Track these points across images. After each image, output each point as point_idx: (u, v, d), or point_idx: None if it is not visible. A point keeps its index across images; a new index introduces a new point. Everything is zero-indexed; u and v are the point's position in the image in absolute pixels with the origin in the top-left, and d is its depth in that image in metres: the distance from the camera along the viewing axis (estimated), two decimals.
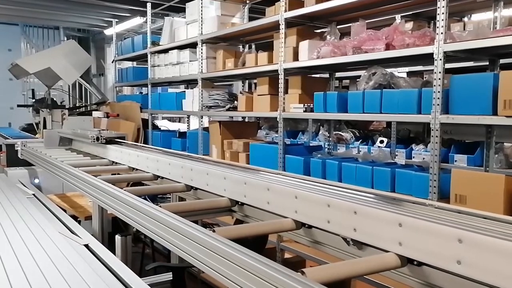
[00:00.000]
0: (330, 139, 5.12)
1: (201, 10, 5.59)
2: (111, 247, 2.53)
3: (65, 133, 5.03)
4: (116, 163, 3.79)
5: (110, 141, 4.03)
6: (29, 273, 1.87)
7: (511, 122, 2.66)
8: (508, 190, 2.77)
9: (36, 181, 4.68)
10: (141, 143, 6.45)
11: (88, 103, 10.08)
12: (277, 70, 4.39)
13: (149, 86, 7.08)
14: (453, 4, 3.33)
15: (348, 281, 3.28)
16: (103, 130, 4.05)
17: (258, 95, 4.88)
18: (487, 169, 3.28)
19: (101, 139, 3.95)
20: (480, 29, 3.23)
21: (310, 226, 1.95)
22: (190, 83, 6.90)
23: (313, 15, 4.30)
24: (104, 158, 3.95)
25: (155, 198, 5.26)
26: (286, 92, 4.43)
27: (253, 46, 5.86)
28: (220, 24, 5.52)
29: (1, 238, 2.35)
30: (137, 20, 9.31)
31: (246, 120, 6.57)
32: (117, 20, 9.18)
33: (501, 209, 2.72)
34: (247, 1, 5.90)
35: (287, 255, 4.46)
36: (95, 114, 7.17)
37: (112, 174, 3.73)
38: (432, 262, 1.44)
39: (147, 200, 2.14)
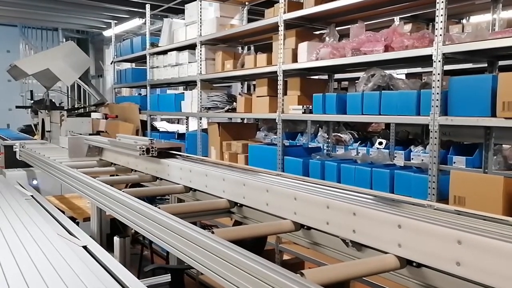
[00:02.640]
0: (329, 140, 5.13)
1: (200, 12, 5.59)
2: (110, 249, 2.52)
3: (96, 141, 4.10)
4: (115, 164, 3.78)
5: (160, 152, 3.15)
6: (27, 275, 1.86)
7: (509, 124, 2.66)
8: (507, 191, 2.77)
9: (35, 182, 4.67)
10: None
11: (87, 105, 10.07)
12: (276, 72, 4.39)
13: (148, 87, 7.08)
14: (452, 6, 3.33)
15: (347, 283, 3.28)
16: (151, 139, 3.16)
17: (257, 96, 4.88)
18: (486, 170, 3.28)
19: (153, 151, 3.06)
20: (479, 31, 3.23)
21: (309, 228, 1.94)
22: (189, 84, 6.90)
23: (312, 17, 4.31)
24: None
25: (154, 199, 5.25)
26: (285, 93, 4.43)
27: (252, 48, 5.87)
28: (219, 26, 5.52)
29: None
30: (136, 22, 9.31)
31: (245, 121, 6.57)
32: (116, 21, 9.18)
33: (500, 211, 2.72)
34: (246, 3, 5.91)
35: (286, 257, 4.45)
36: (94, 115, 7.16)
37: (110, 176, 3.72)
38: (431, 263, 1.44)
39: (145, 201, 2.14)
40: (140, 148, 3.02)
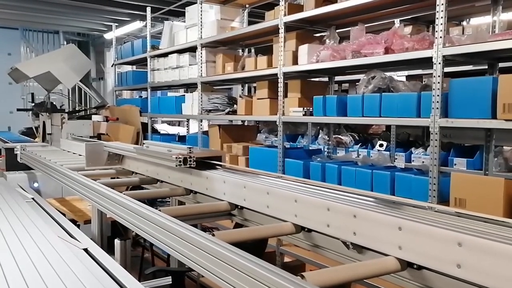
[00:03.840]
0: (330, 142, 5.12)
1: (201, 14, 5.60)
2: (110, 251, 2.52)
3: (119, 148, 3.68)
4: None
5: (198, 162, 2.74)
6: (28, 277, 1.86)
7: (510, 126, 2.66)
8: (508, 193, 2.76)
9: (35, 185, 4.67)
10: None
11: (88, 107, 10.08)
12: (276, 74, 4.39)
13: (149, 90, 7.09)
14: (452, 8, 3.34)
15: (348, 285, 3.27)
16: (189, 147, 2.76)
17: (258, 99, 4.88)
18: (487, 172, 3.28)
19: (191, 160, 2.66)
20: (479, 33, 3.24)
21: (309, 230, 1.94)
22: (190, 87, 6.91)
23: (313, 19, 4.31)
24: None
25: (155, 202, 5.25)
26: (285, 96, 4.43)
27: (253, 50, 5.88)
28: (220, 28, 5.53)
29: (0, 242, 2.34)
30: (136, 24, 9.33)
31: (246, 123, 6.57)
32: (116, 24, 9.19)
33: (501, 213, 2.72)
34: (247, 5, 5.92)
35: (286, 259, 4.45)
36: (95, 118, 7.17)
37: (111, 178, 3.72)
38: (432, 265, 1.44)
39: (146, 204, 2.14)
40: (177, 158, 2.62)
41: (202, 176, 2.67)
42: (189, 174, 2.78)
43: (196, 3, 5.68)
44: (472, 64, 4.03)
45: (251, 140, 5.68)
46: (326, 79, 5.01)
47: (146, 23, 7.30)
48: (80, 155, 4.50)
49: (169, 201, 4.09)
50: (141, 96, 9.16)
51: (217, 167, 2.77)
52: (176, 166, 2.62)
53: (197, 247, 1.58)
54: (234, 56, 5.58)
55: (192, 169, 2.70)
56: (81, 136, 5.54)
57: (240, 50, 6.19)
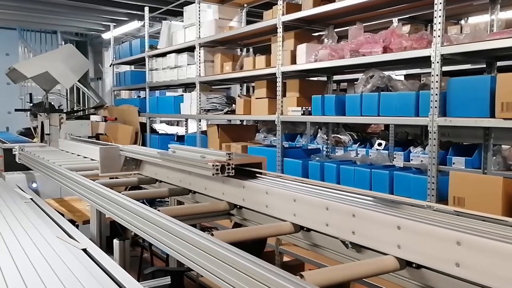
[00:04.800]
0: (328, 142, 5.13)
1: (199, 14, 5.59)
2: (109, 252, 2.52)
3: (138, 152, 3.36)
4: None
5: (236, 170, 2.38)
6: (27, 278, 1.86)
7: (508, 124, 2.66)
8: (506, 192, 2.77)
9: (34, 185, 4.66)
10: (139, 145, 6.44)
11: (86, 107, 10.07)
12: (275, 74, 4.39)
13: (147, 89, 7.09)
14: (450, 7, 3.34)
15: (347, 284, 3.27)
16: (229, 153, 2.40)
17: (256, 98, 4.88)
18: (485, 171, 3.29)
19: (229, 168, 2.31)
20: (477, 32, 3.25)
21: (308, 229, 1.94)
22: (188, 86, 6.91)
23: (311, 19, 4.31)
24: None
25: (153, 202, 5.24)
26: (284, 95, 4.43)
27: (251, 50, 5.88)
28: (218, 28, 5.53)
29: None
30: (135, 24, 9.32)
31: (244, 123, 6.57)
32: (115, 24, 9.18)
33: (499, 211, 2.72)
34: (245, 5, 5.92)
35: (286, 259, 4.45)
36: (93, 118, 7.16)
37: (109, 178, 3.71)
38: (431, 264, 1.44)
39: (145, 204, 2.14)
40: (214, 166, 2.26)
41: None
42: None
43: (194, 2, 5.68)
44: (470, 63, 4.04)
45: (250, 139, 5.68)
46: (324, 78, 5.01)
47: (144, 22, 7.29)
48: (78, 155, 4.49)
49: (168, 201, 4.09)
50: (140, 96, 9.16)
51: (257, 176, 2.44)
52: (213, 175, 2.27)
53: (196, 247, 1.58)
54: (233, 56, 5.57)
55: (229, 177, 2.36)
56: (80, 136, 5.53)
57: (239, 50, 6.19)
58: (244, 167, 2.45)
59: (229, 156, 2.37)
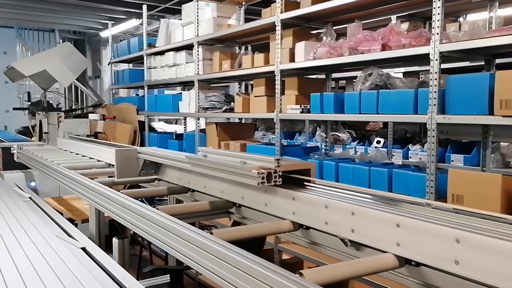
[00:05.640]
0: (327, 139, 5.13)
1: (197, 12, 5.58)
2: (108, 250, 2.52)
3: (160, 156, 3.03)
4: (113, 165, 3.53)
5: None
6: (26, 277, 1.86)
7: (507, 122, 2.66)
8: (505, 189, 2.77)
9: (33, 184, 4.65)
10: (137, 145, 6.44)
11: (85, 106, 10.05)
12: (273, 71, 4.39)
13: (146, 88, 7.07)
14: (449, 4, 3.34)
15: (346, 282, 3.28)
16: (278, 159, 2.06)
17: (255, 96, 4.88)
18: (484, 168, 3.29)
19: (276, 176, 2.00)
20: (476, 29, 3.24)
21: (308, 227, 1.94)
22: (187, 84, 6.90)
23: (309, 16, 4.31)
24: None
25: (153, 200, 5.24)
26: (282, 93, 4.43)
27: (249, 48, 5.87)
28: (216, 26, 5.51)
29: None
30: (133, 22, 9.30)
31: (243, 121, 6.57)
32: (113, 22, 9.16)
33: (498, 209, 2.72)
34: (243, 3, 5.90)
35: (285, 257, 4.45)
36: (92, 116, 7.16)
37: (108, 177, 3.71)
38: (430, 262, 1.44)
39: (144, 202, 2.13)
40: (259, 174, 1.94)
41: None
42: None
43: (192, 0, 5.66)
44: (469, 60, 4.03)
45: (249, 137, 5.68)
46: (323, 76, 5.01)
47: (142, 21, 7.27)
48: (77, 153, 4.49)
49: (166, 200, 4.09)
50: (138, 94, 9.14)
51: (306, 185, 2.14)
52: (258, 184, 1.94)
53: (196, 246, 1.58)
54: (231, 54, 5.57)
55: (278, 187, 2.04)
56: (78, 135, 5.52)
57: (237, 48, 6.18)
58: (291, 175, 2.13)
59: (278, 163, 2.02)
